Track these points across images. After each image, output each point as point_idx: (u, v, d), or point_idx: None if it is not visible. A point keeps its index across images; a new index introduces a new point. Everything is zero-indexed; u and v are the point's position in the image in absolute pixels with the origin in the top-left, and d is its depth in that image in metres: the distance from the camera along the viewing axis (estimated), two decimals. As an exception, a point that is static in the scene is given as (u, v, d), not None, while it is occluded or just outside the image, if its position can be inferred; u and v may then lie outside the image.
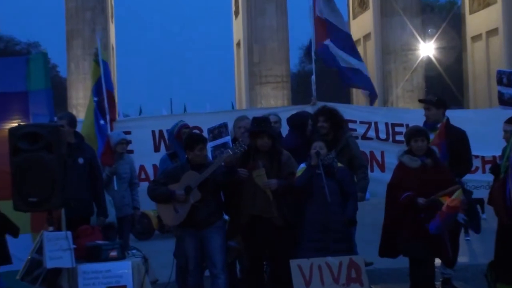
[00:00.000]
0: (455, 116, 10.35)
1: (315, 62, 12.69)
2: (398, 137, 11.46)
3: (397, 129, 11.66)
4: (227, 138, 10.06)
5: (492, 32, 34.60)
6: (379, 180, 10.53)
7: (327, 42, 12.15)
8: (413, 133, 8.83)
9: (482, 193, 11.15)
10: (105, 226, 9.55)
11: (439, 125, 9.68)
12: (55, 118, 9.55)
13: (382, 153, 11.66)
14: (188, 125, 10.01)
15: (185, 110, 39.14)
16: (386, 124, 11.77)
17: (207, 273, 8.98)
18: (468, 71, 37.08)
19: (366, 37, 36.06)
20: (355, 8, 39.20)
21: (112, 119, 11.60)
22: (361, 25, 36.89)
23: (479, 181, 11.34)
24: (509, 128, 9.26)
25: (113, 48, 35.81)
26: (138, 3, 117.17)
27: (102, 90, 11.45)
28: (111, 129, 11.25)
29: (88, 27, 30.44)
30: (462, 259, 10.14)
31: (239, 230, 8.80)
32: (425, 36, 35.38)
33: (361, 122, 11.75)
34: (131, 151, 11.36)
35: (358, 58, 12.59)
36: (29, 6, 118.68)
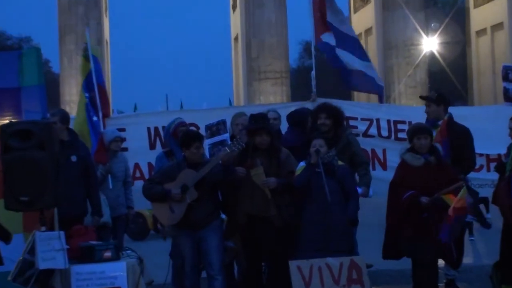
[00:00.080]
0: (459, 113, 10.35)
1: (315, 57, 12.69)
2: (400, 135, 11.46)
3: (400, 126, 11.66)
4: (226, 136, 10.06)
5: (497, 27, 34.63)
6: (380, 179, 10.53)
7: (328, 39, 12.14)
8: (416, 131, 8.83)
9: (486, 192, 11.15)
10: (99, 226, 9.55)
11: (440, 122, 9.68)
12: (48, 115, 9.56)
13: (384, 151, 11.66)
14: (185, 123, 9.99)
15: (181, 106, 39.17)
16: (388, 121, 11.78)
17: (204, 274, 8.99)
18: (472, 66, 37.13)
19: (368, 31, 36.08)
20: (356, 1, 39.26)
21: (106, 116, 11.60)
22: (362, 19, 36.93)
23: (483, 180, 11.36)
24: (515, 125, 9.27)
25: (107, 43, 35.81)
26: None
27: (93, 85, 11.44)
28: (104, 126, 11.25)
29: (81, 21, 30.46)
30: (466, 260, 10.14)
31: (237, 230, 8.80)
32: (428, 30, 35.42)
33: (362, 119, 11.75)
34: (125, 149, 11.36)
35: (363, 57, 12.60)
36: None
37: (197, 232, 8.58)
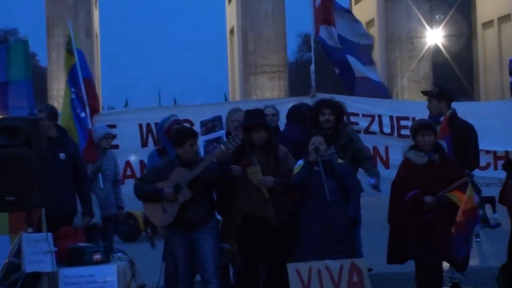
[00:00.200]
0: (464, 109, 10.36)
1: (314, 51, 12.69)
2: (403, 131, 11.46)
3: (403, 122, 11.65)
4: (221, 133, 10.05)
5: (504, 18, 34.66)
6: (383, 178, 10.47)
7: (324, 34, 12.17)
8: (420, 127, 8.81)
9: (493, 191, 11.13)
10: (88, 227, 9.54)
11: (442, 119, 9.67)
12: (36, 111, 9.54)
13: (386, 149, 11.65)
14: (180, 121, 9.97)
15: (175, 102, 39.14)
16: (391, 117, 11.76)
17: (198, 277, 8.98)
18: (478, 60, 37.17)
19: (369, 23, 36.06)
20: (358, -8, 39.25)
21: (96, 111, 11.58)
22: (363, 11, 36.92)
23: (490, 178, 11.32)
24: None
25: (97, 35, 35.79)
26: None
27: (78, 80, 11.41)
28: (92, 122, 11.22)
29: (70, 12, 30.40)
30: (472, 262, 10.11)
31: (233, 232, 8.80)
32: (432, 22, 35.39)
33: (364, 115, 11.73)
34: (116, 146, 11.35)
35: (367, 61, 12.66)
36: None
37: (191, 233, 8.58)
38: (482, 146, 10.11)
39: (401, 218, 8.58)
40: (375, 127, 11.72)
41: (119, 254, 8.47)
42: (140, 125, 11.68)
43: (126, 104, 40.15)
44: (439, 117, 9.70)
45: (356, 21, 12.99)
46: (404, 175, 8.73)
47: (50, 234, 7.69)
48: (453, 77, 39.32)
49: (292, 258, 8.33)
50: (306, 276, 8.07)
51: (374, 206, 11.70)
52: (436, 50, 35.75)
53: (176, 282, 8.91)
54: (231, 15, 37.29)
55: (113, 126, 11.39)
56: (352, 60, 12.31)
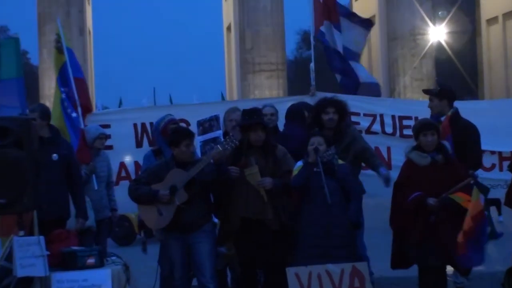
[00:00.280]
0: (467, 108, 10.35)
1: (314, 48, 12.69)
2: (406, 131, 11.45)
3: (405, 122, 11.65)
4: (219, 133, 10.05)
5: (509, 15, 34.67)
6: (384, 179, 10.52)
7: (326, 31, 12.19)
8: (422, 127, 8.80)
9: (499, 193, 11.13)
10: (81, 230, 9.52)
11: (443, 118, 9.67)
12: (27, 110, 9.53)
13: (388, 149, 11.65)
14: (176, 120, 9.98)
15: (170, 101, 39.08)
16: (393, 116, 11.76)
17: (194, 282, 8.98)
18: (483, 57, 37.16)
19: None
20: (358, -12, 39.23)
21: (88, 111, 11.55)
22: (364, 7, 36.88)
23: (495, 180, 11.31)
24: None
25: (90, 32, 35.74)
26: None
27: (69, 79, 11.39)
28: (84, 122, 11.20)
29: (62, 9, 30.37)
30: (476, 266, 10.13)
31: (230, 235, 8.80)
32: (435, 19, 35.40)
33: (365, 115, 11.72)
34: (110, 147, 11.34)
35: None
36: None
37: (187, 237, 8.58)
38: (486, 146, 10.11)
39: (403, 220, 8.58)
40: (376, 127, 11.71)
41: (113, 258, 8.45)
42: (135, 125, 11.67)
43: (120, 103, 40.12)
44: (441, 117, 9.69)
45: (355, 26, 12.94)
46: (406, 176, 8.72)
47: (42, 237, 7.68)
48: (456, 75, 39.34)
49: (291, 263, 8.32)
50: (306, 280, 8.06)
51: (376, 208, 11.68)
52: (439, 47, 35.75)
53: (172, 287, 8.91)
54: (228, 12, 37.25)
55: (107, 126, 11.38)
56: (356, 66, 12.34)
